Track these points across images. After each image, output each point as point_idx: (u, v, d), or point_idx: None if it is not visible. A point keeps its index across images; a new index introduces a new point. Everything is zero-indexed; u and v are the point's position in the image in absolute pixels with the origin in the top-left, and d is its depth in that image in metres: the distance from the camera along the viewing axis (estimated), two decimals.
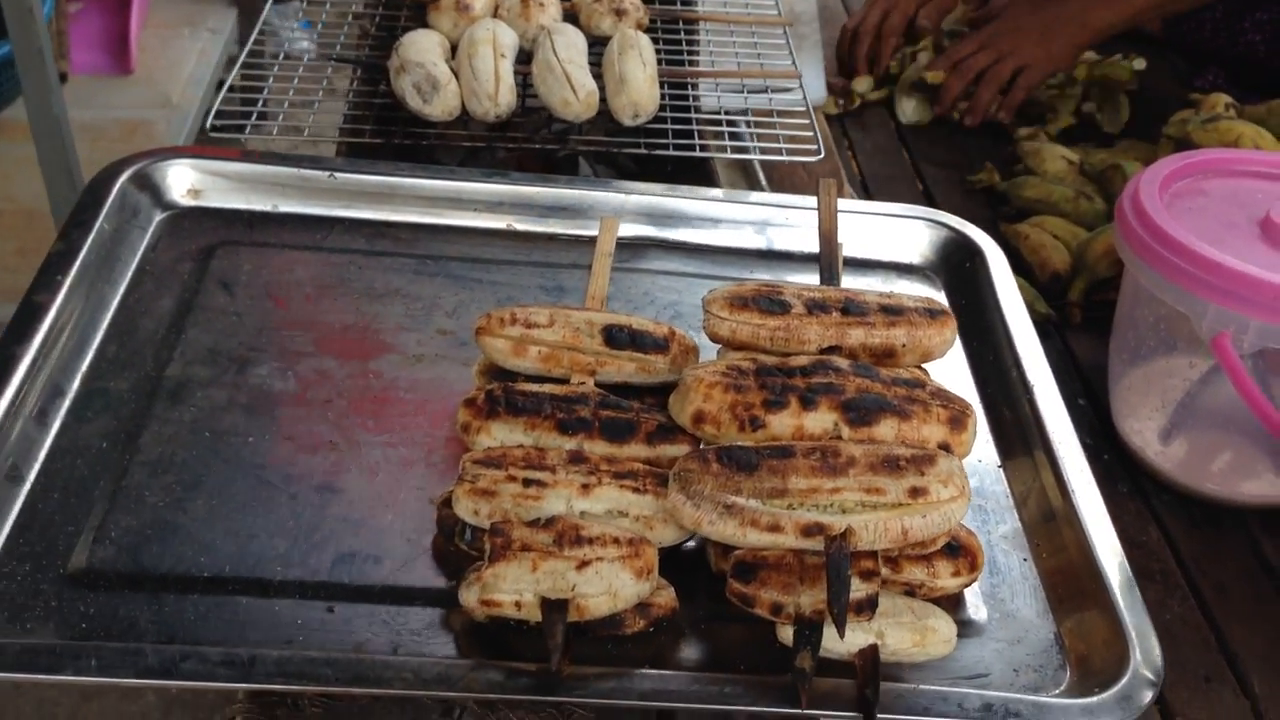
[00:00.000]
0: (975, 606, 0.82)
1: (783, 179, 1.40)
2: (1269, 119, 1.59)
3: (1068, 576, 0.83)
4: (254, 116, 1.15)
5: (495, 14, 1.30)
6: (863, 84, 1.85)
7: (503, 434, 0.81)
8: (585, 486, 0.77)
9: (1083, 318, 1.44)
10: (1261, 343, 1.09)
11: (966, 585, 0.80)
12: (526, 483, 0.76)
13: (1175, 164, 1.24)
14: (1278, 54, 1.86)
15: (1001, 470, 0.91)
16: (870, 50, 1.89)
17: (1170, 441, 1.26)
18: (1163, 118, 1.69)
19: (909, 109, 1.84)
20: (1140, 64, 1.85)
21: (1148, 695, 0.74)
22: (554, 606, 0.72)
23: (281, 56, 1.25)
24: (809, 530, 0.73)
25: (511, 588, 0.72)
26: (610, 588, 0.72)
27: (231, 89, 1.19)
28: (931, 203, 1.68)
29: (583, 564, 0.72)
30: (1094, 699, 0.74)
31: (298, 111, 1.18)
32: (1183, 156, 1.26)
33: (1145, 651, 0.76)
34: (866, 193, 1.71)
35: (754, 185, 1.41)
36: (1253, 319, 1.08)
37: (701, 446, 0.80)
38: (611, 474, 0.77)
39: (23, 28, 1.98)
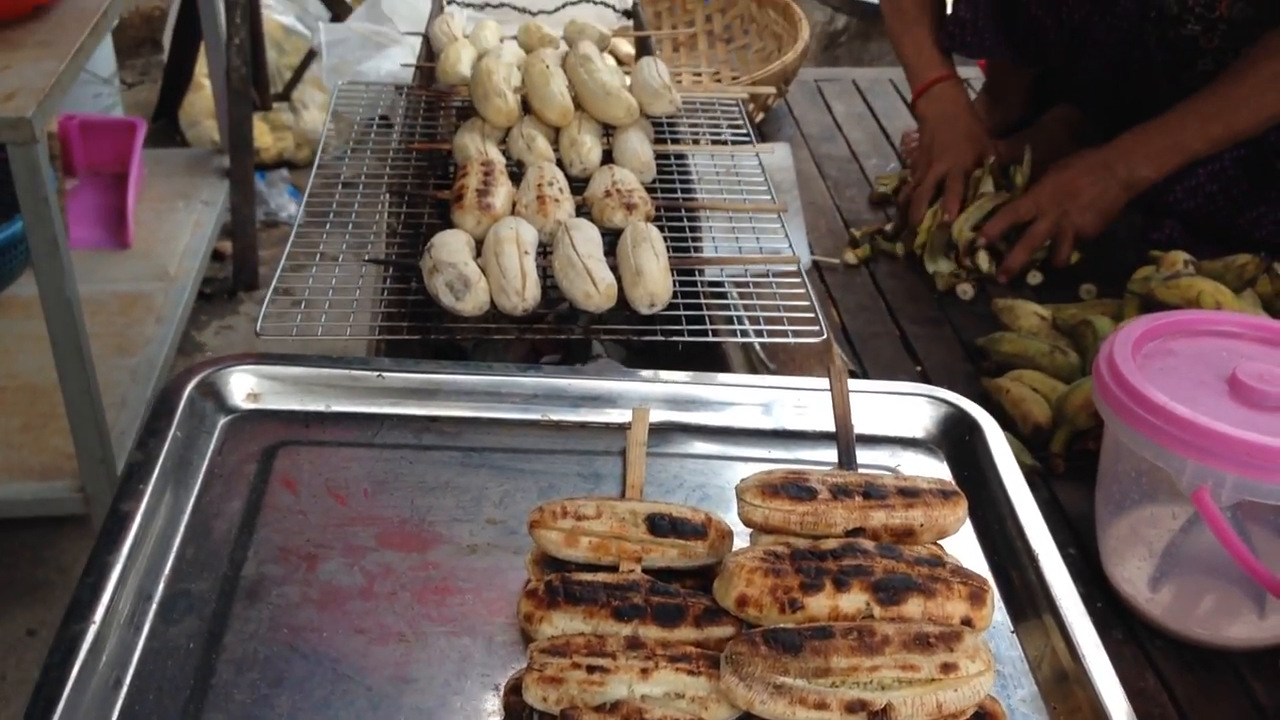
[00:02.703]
0: None
1: (776, 349, 1.51)
2: (1225, 274, 1.71)
3: None
4: (299, 318, 1.23)
5: (513, 210, 1.41)
6: (850, 255, 1.98)
7: (563, 622, 0.89)
8: (644, 671, 0.84)
9: (1066, 468, 1.54)
10: (1239, 495, 1.18)
11: None
12: (590, 669, 0.84)
13: (1144, 326, 1.35)
14: (1233, 205, 1.99)
15: (1015, 635, 1.00)
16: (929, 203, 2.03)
17: (1159, 588, 1.34)
18: (1122, 268, 1.82)
19: (944, 268, 1.94)
20: None
21: None
22: None
23: (318, 257, 1.34)
24: (852, 707, 0.80)
25: None
26: None
27: (275, 290, 1.28)
28: (914, 358, 1.79)
29: None
30: None
31: (337, 310, 1.27)
32: (1151, 319, 1.37)
33: None
34: (853, 349, 1.82)
35: (755, 360, 1.51)
36: (1229, 474, 1.17)
37: (746, 628, 0.88)
38: (667, 658, 0.85)
39: (36, 215, 2.07)
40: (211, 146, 3.82)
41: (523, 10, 2.03)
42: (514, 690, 0.88)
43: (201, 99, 3.96)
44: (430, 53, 1.85)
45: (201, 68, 3.91)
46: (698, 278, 1.37)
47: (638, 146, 1.55)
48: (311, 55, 3.54)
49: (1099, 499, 1.39)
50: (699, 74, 2.04)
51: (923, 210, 2.01)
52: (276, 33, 3.90)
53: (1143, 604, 1.34)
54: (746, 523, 0.94)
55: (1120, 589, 1.36)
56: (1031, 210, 1.93)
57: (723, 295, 1.34)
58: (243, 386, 1.15)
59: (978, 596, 0.87)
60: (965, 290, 1.89)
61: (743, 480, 0.95)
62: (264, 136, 3.88)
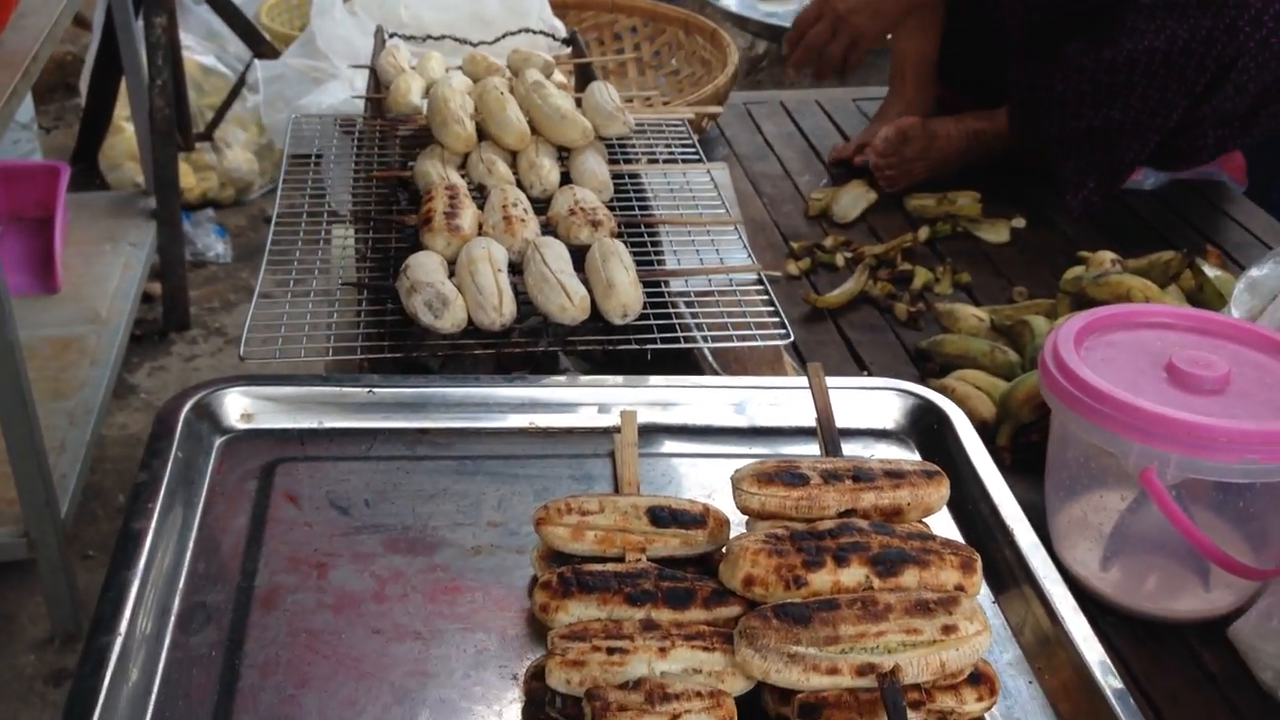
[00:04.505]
0: None
1: (724, 353, 1.56)
2: (1151, 271, 1.81)
3: (1070, 693, 0.96)
4: (279, 341, 1.26)
5: (481, 231, 1.45)
6: (791, 267, 2.05)
7: (579, 610, 0.93)
8: (662, 650, 0.89)
9: (1012, 460, 1.61)
10: (1183, 474, 1.26)
11: (988, 709, 0.93)
12: (610, 651, 0.88)
13: (1084, 320, 1.42)
14: None
15: (996, 605, 1.06)
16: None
17: (1109, 567, 1.41)
18: (1052, 269, 1.92)
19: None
20: (1020, 222, 2.12)
21: None
22: None
23: (292, 283, 1.37)
24: (862, 670, 0.86)
25: None
26: None
27: (255, 316, 1.30)
28: (860, 364, 1.86)
29: (675, 717, 0.84)
30: None
31: (316, 334, 1.29)
32: (1090, 314, 1.45)
33: None
34: (800, 358, 1.88)
35: (706, 367, 1.56)
36: (1173, 454, 1.24)
37: (752, 607, 0.93)
38: (682, 636, 0.90)
39: None
40: (134, 189, 3.80)
41: (463, 41, 2.07)
42: (535, 677, 0.92)
43: (122, 141, 3.93)
44: (378, 85, 1.89)
45: (120, 110, 3.89)
46: (664, 289, 1.42)
47: (594, 167, 1.60)
48: (236, 93, 3.54)
49: (1048, 487, 1.46)
50: (631, 99, 2.10)
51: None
52: (196, 73, 3.89)
53: (1094, 583, 1.40)
54: (743, 510, 0.99)
55: (1072, 570, 1.42)
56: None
57: (690, 304, 1.39)
58: (236, 407, 1.18)
59: (968, 565, 0.93)
60: (900, 311, 1.96)
61: (737, 470, 1.00)
62: (187, 177, 3.87)
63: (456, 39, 2.07)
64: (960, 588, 0.92)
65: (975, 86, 2.42)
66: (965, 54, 2.39)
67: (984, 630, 0.88)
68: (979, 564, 0.94)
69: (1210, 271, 1.80)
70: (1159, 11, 2.03)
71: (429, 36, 2.09)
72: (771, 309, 1.36)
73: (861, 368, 1.85)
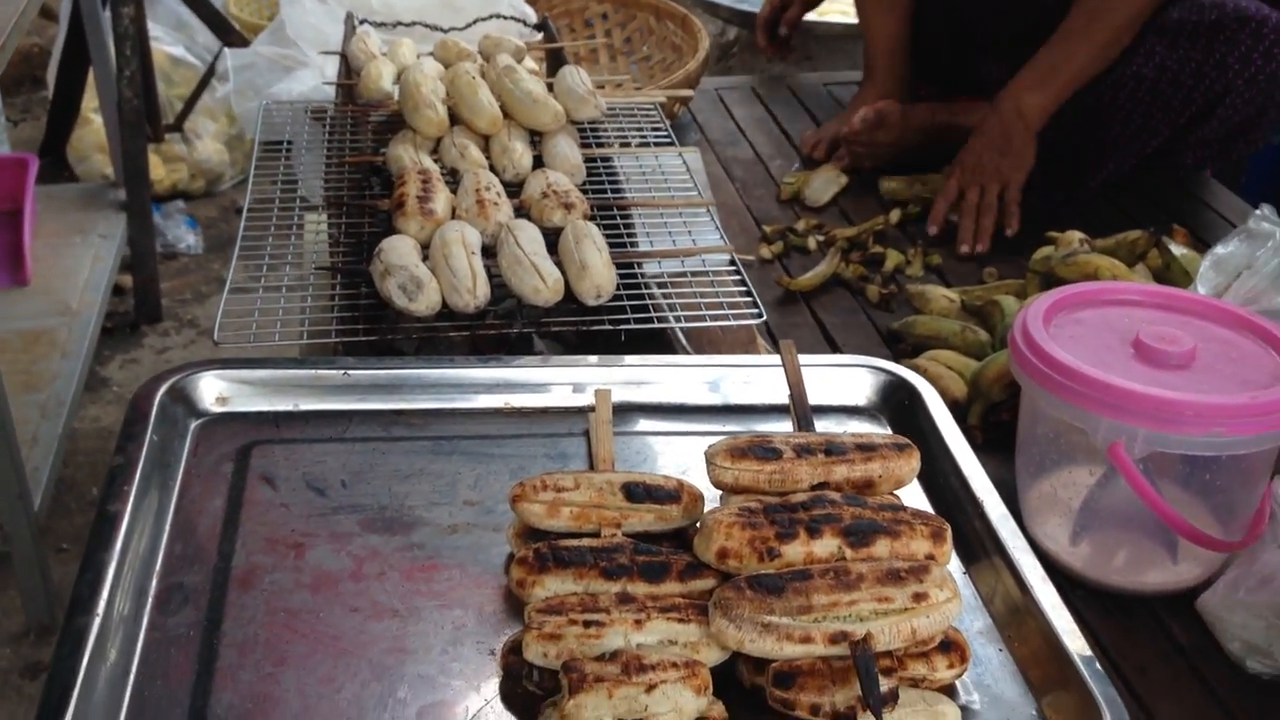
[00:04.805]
0: (967, 694, 0.96)
1: (698, 335, 1.57)
2: (1118, 250, 1.83)
3: (1040, 660, 0.98)
4: (253, 326, 1.26)
5: (454, 215, 1.45)
6: (764, 251, 2.06)
7: (555, 585, 0.94)
8: (638, 622, 0.90)
9: (984, 438, 1.63)
10: (1149, 448, 1.28)
11: (959, 676, 0.95)
12: (587, 624, 0.89)
13: (1053, 299, 1.44)
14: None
15: (967, 575, 1.07)
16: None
17: (1078, 542, 1.43)
18: (1021, 250, 1.95)
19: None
20: None
21: None
22: None
23: (265, 268, 1.37)
24: (835, 638, 0.87)
25: (592, 714, 0.84)
26: (676, 705, 0.85)
27: (228, 302, 1.30)
28: (833, 345, 1.87)
29: (650, 687, 0.85)
30: None
31: (289, 318, 1.30)
32: (1058, 292, 1.47)
33: (1115, 715, 0.91)
34: (773, 340, 1.90)
35: (679, 348, 1.57)
36: (1140, 428, 1.26)
37: (726, 579, 0.94)
38: (658, 609, 0.91)
39: None
40: (104, 180, 3.77)
41: (434, 28, 2.07)
42: (512, 651, 0.93)
43: (90, 133, 3.90)
44: (349, 71, 1.89)
45: (89, 101, 3.85)
46: (637, 271, 1.43)
47: (567, 151, 1.60)
48: (206, 83, 3.52)
49: (1019, 464, 1.48)
50: (603, 85, 2.11)
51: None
52: (164, 63, 3.87)
53: (1064, 557, 1.42)
54: (717, 484, 1.00)
55: (1042, 545, 1.44)
56: (956, 188, 2.12)
57: (663, 286, 1.40)
58: (211, 391, 1.18)
59: (938, 535, 0.94)
60: (872, 293, 1.98)
61: (711, 446, 1.01)
62: (157, 169, 3.84)
63: (427, 25, 2.07)
64: (931, 557, 0.94)
65: (949, 81, 2.44)
66: (937, 49, 2.41)
67: (954, 597, 0.89)
68: (949, 533, 0.95)
69: (1177, 250, 1.82)
70: (1149, 37, 2.07)
71: (399, 23, 2.09)
72: (744, 289, 1.37)
73: (834, 349, 1.86)
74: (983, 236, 2.08)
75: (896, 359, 1.79)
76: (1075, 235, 1.88)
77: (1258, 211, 1.60)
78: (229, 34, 3.44)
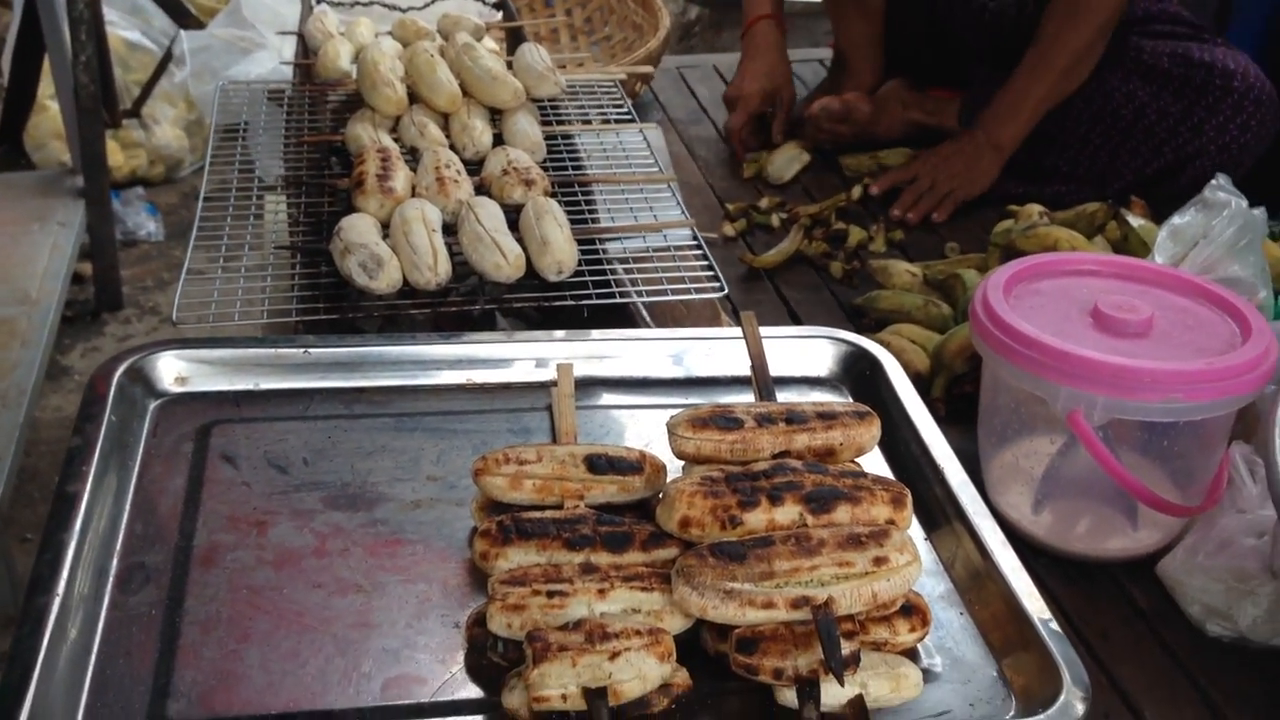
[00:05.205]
0: (929, 657, 0.97)
1: (663, 312, 1.58)
2: (1077, 222, 1.84)
3: (1000, 622, 0.99)
4: (212, 306, 1.26)
5: (414, 193, 1.45)
6: (728, 229, 2.07)
7: (518, 557, 0.94)
8: (601, 591, 0.90)
9: (946, 411, 1.64)
10: (1108, 415, 1.29)
11: (921, 639, 0.96)
12: (550, 594, 0.90)
13: (1013, 270, 1.45)
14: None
15: (929, 541, 1.08)
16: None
17: (1040, 510, 1.44)
18: (982, 225, 1.96)
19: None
20: None
21: (1081, 708, 0.90)
22: (596, 694, 0.85)
23: (224, 248, 1.36)
24: (797, 603, 0.87)
25: (556, 683, 0.85)
26: (640, 672, 0.85)
27: (187, 281, 1.30)
28: (796, 321, 1.88)
29: (614, 655, 0.85)
30: (1040, 716, 0.90)
31: (249, 297, 1.29)
32: (1018, 263, 1.47)
33: (1073, 673, 0.92)
34: (737, 316, 1.90)
35: (641, 323, 1.57)
36: (1099, 395, 1.27)
37: (689, 548, 0.94)
38: (621, 578, 0.91)
39: None
40: (61, 167, 3.73)
41: (392, 7, 2.06)
42: (477, 623, 0.93)
43: (46, 120, 3.86)
44: (306, 51, 1.87)
45: (45, 88, 3.81)
46: (599, 246, 1.43)
47: (527, 128, 1.60)
48: (163, 68, 3.49)
49: (981, 434, 1.49)
50: (564, 64, 2.10)
51: (737, 145, 2.33)
52: (121, 49, 3.82)
53: (1026, 526, 1.43)
54: (679, 455, 1.01)
55: (1006, 514, 1.45)
56: (912, 174, 2.17)
57: (624, 261, 1.40)
58: (170, 371, 1.17)
59: (899, 500, 0.95)
60: (836, 269, 1.98)
61: (672, 417, 1.02)
62: (115, 155, 3.80)
63: (385, 5, 2.06)
64: (891, 522, 0.94)
65: (922, 74, 2.44)
66: (916, 48, 2.41)
67: (914, 561, 0.90)
68: (909, 498, 0.96)
69: (1135, 221, 1.83)
70: (1134, 77, 2.12)
71: (357, 2, 2.08)
72: (705, 263, 1.37)
73: (798, 325, 1.86)
74: (918, 211, 2.13)
75: (860, 333, 1.80)
76: (1035, 208, 1.90)
77: (1213, 181, 1.61)
78: (185, 17, 3.41)
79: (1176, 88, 2.09)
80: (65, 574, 0.93)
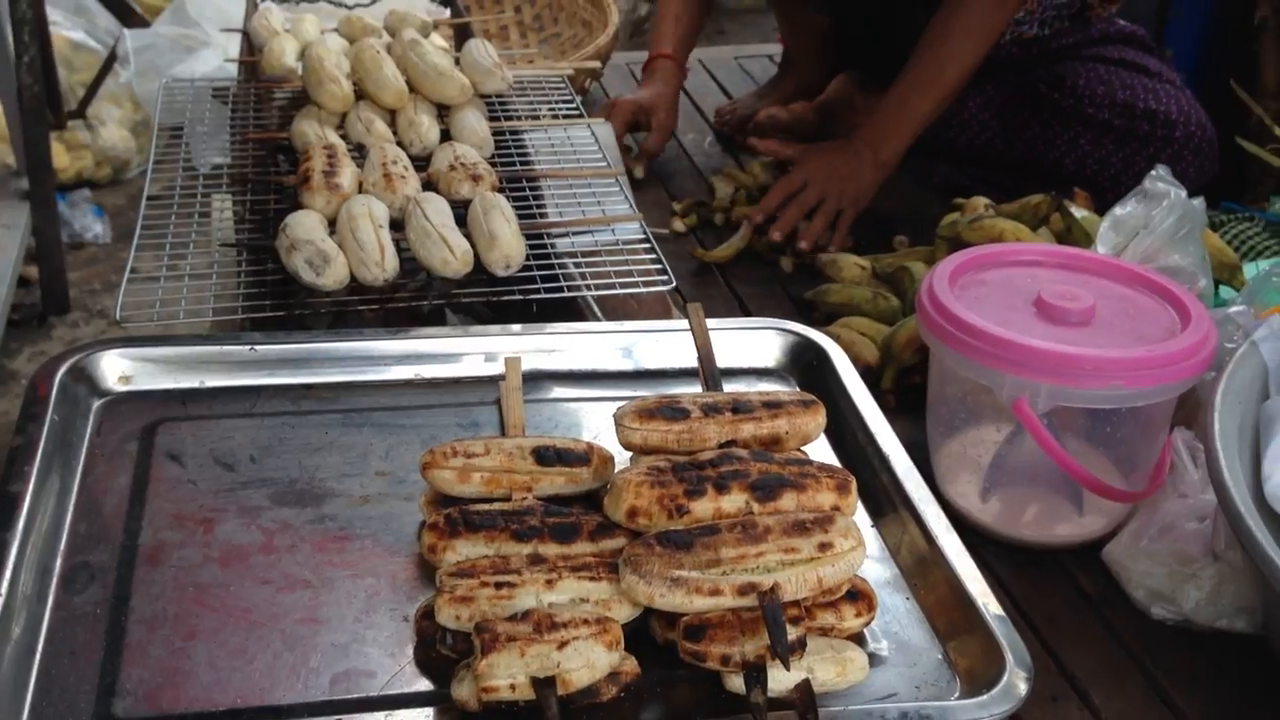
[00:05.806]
0: (875, 641, 0.98)
1: (614, 307, 1.58)
2: (1022, 214, 1.86)
3: (945, 607, 1.00)
4: (157, 304, 1.25)
5: (360, 189, 1.44)
6: (678, 224, 2.07)
7: (466, 549, 0.94)
8: (549, 582, 0.90)
9: (896, 402, 1.65)
10: (1052, 402, 1.30)
11: (867, 624, 0.97)
12: (498, 585, 0.90)
13: (958, 261, 1.47)
14: (1007, 131, 2.20)
15: (875, 529, 1.09)
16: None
17: (988, 499, 1.45)
18: (929, 219, 1.97)
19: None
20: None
21: (1024, 687, 0.92)
22: (544, 684, 0.85)
23: (169, 246, 1.35)
24: (743, 590, 0.88)
25: (505, 674, 0.85)
26: (588, 661, 0.86)
27: (132, 281, 1.28)
28: (747, 315, 1.89)
29: (562, 644, 0.86)
30: (984, 697, 0.91)
31: (194, 295, 1.28)
32: (963, 254, 1.49)
33: (1016, 654, 0.94)
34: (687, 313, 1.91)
35: (591, 317, 1.58)
36: (1043, 383, 1.28)
37: (636, 538, 0.95)
38: (569, 568, 0.91)
39: None
40: (5, 170, 3.68)
41: (339, 4, 2.05)
42: (425, 616, 0.93)
43: None
44: (251, 48, 1.86)
45: None
46: (547, 242, 1.43)
47: (474, 124, 1.60)
48: (108, 68, 3.45)
49: (930, 425, 1.51)
50: (513, 60, 2.10)
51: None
52: (65, 49, 3.77)
53: (975, 514, 1.45)
54: (626, 446, 1.01)
55: (955, 503, 1.46)
56: (800, 181, 2.05)
57: (573, 256, 1.40)
58: (114, 369, 1.16)
59: (844, 486, 0.96)
60: (786, 264, 1.99)
61: (619, 408, 1.02)
62: (61, 157, 3.75)
63: (331, 2, 2.05)
64: (836, 508, 0.95)
65: (872, 68, 2.44)
66: (860, 42, 2.41)
67: (858, 545, 0.91)
68: (854, 485, 0.97)
69: (1078, 213, 1.86)
70: (1083, 131, 2.13)
71: None
72: (654, 257, 1.38)
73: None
74: (808, 236, 2.01)
75: (811, 327, 1.81)
76: (980, 201, 1.92)
77: (1153, 172, 1.64)
78: (130, 16, 3.37)
79: (1119, 137, 2.12)
80: (8, 574, 0.92)
